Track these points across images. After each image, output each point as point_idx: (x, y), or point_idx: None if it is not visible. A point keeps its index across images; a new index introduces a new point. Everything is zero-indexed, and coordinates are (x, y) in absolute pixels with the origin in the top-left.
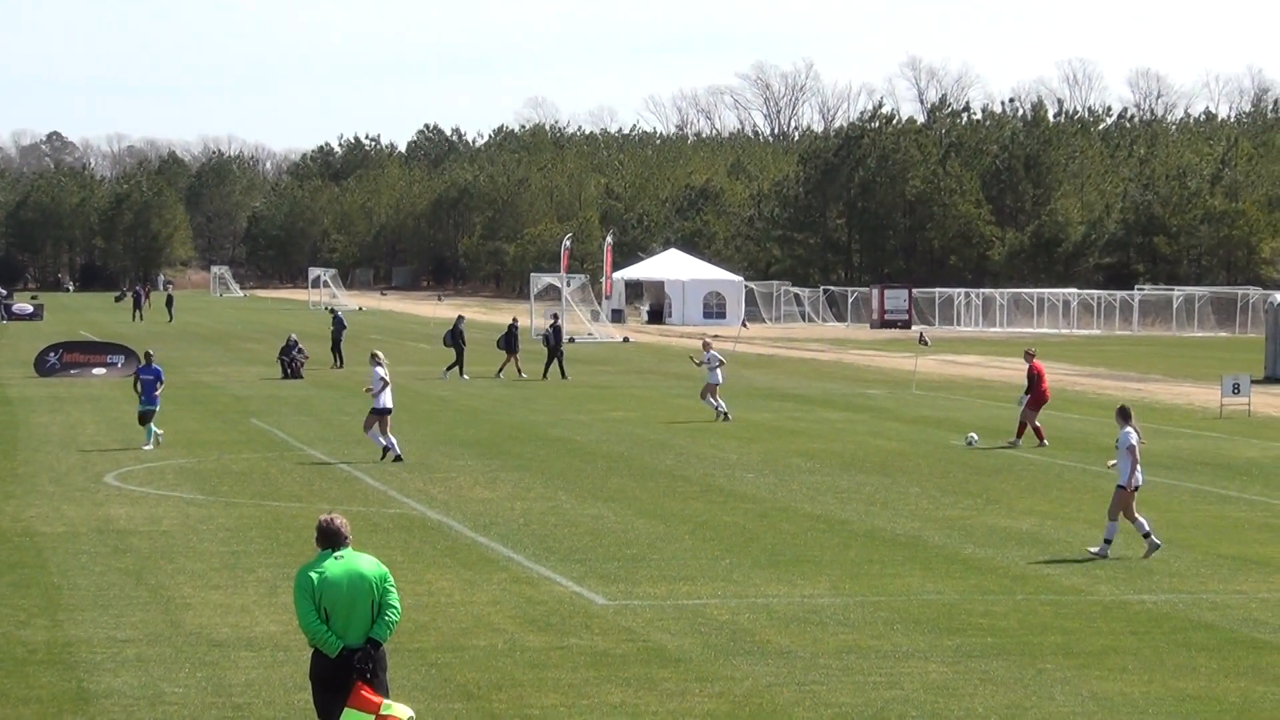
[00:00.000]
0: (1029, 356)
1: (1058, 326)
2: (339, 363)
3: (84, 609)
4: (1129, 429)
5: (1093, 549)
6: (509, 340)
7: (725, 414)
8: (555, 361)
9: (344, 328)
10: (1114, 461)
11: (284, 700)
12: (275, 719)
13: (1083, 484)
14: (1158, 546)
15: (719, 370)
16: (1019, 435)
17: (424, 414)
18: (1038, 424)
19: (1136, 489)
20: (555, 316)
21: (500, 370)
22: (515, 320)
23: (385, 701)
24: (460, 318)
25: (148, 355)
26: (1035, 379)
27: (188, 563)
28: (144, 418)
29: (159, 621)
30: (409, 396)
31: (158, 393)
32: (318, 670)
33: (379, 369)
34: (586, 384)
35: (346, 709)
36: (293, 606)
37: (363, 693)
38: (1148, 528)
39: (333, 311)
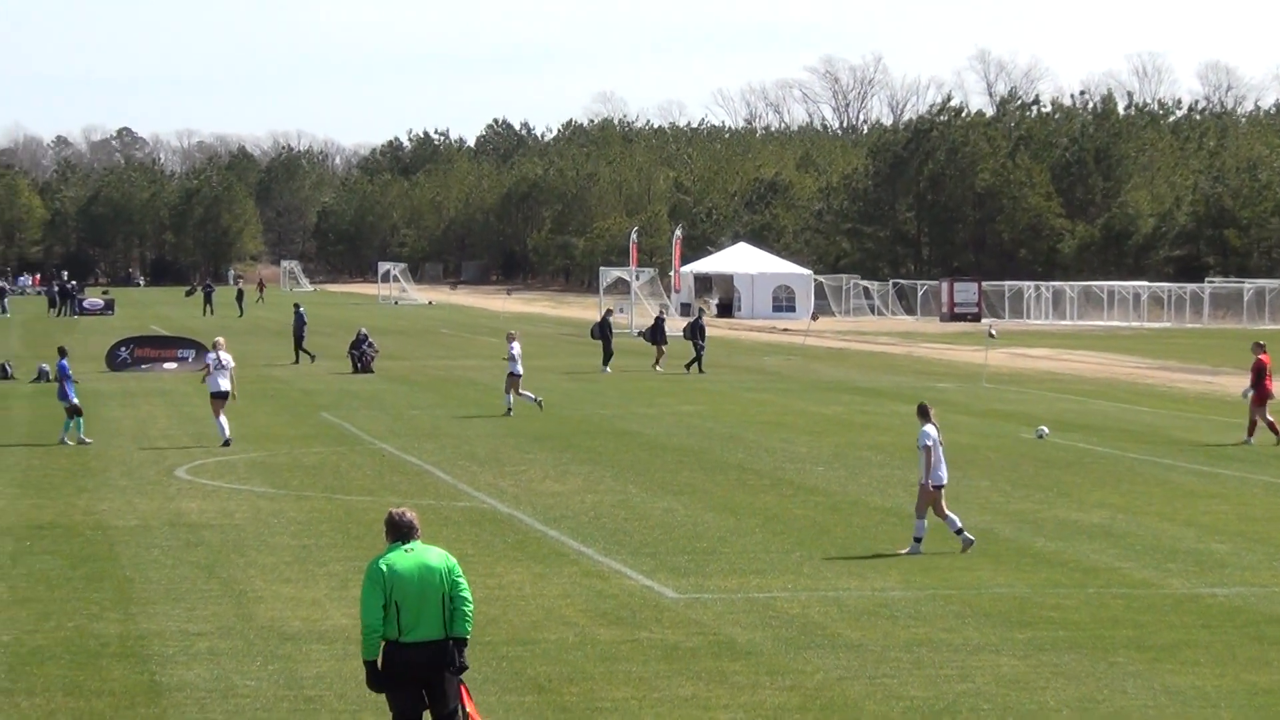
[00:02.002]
0: (1257, 349)
1: (1128, 320)
2: (298, 359)
3: (156, 602)
4: (928, 427)
5: (903, 550)
6: (654, 332)
7: (539, 401)
8: (698, 356)
9: (304, 324)
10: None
11: (355, 693)
12: (347, 711)
13: (1154, 477)
14: (971, 542)
15: (517, 363)
16: (1250, 434)
17: (493, 407)
18: (1269, 418)
19: (940, 486)
20: (700, 312)
21: (656, 362)
22: (609, 311)
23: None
24: (609, 311)
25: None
26: (1260, 373)
27: (259, 556)
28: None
29: (231, 615)
30: (477, 390)
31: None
32: (390, 665)
33: (515, 345)
34: (656, 377)
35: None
36: (360, 597)
37: (465, 695)
38: (959, 524)
39: (296, 306)
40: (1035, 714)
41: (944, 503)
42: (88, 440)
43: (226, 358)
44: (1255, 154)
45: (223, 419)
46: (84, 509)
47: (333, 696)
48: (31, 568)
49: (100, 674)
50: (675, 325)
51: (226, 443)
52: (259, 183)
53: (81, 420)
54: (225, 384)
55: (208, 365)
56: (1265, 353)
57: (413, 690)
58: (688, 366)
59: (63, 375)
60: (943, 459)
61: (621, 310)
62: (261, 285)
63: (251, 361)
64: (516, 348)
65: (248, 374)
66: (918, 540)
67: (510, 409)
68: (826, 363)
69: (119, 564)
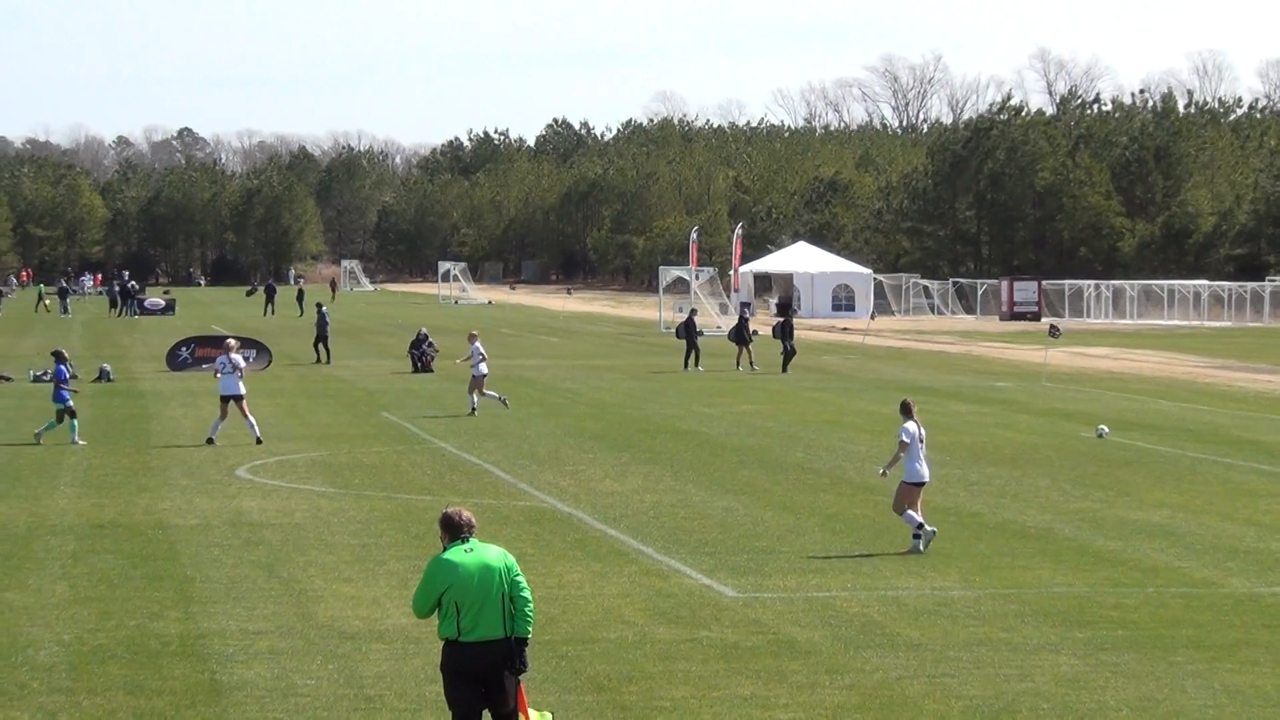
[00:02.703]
0: None
1: (1188, 319)
2: (326, 359)
3: (216, 601)
4: (909, 424)
5: (909, 548)
6: (738, 332)
7: (504, 400)
8: (787, 355)
9: (327, 323)
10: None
11: (415, 692)
12: (407, 710)
13: (1214, 476)
14: (918, 551)
15: (483, 364)
16: None
17: (553, 407)
18: None
19: (918, 484)
20: (790, 311)
21: (738, 363)
22: (694, 310)
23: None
24: (694, 310)
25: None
26: None
27: (319, 555)
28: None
29: (291, 614)
30: (537, 389)
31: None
32: (449, 663)
33: (478, 344)
34: (715, 377)
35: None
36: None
37: (521, 696)
38: (920, 520)
39: (318, 305)
40: (1094, 713)
41: (919, 502)
42: (80, 441)
43: (237, 359)
44: None
45: (250, 418)
46: (145, 508)
47: (393, 695)
48: (93, 567)
49: (161, 673)
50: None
51: (259, 440)
52: (319, 182)
53: (75, 422)
54: (238, 387)
55: (216, 369)
56: None
57: (474, 689)
58: (784, 368)
59: (59, 378)
60: (923, 457)
61: (682, 310)
62: (334, 285)
63: (309, 360)
64: (479, 347)
65: (309, 373)
66: (919, 527)
67: (475, 409)
68: (886, 362)
69: (179, 563)
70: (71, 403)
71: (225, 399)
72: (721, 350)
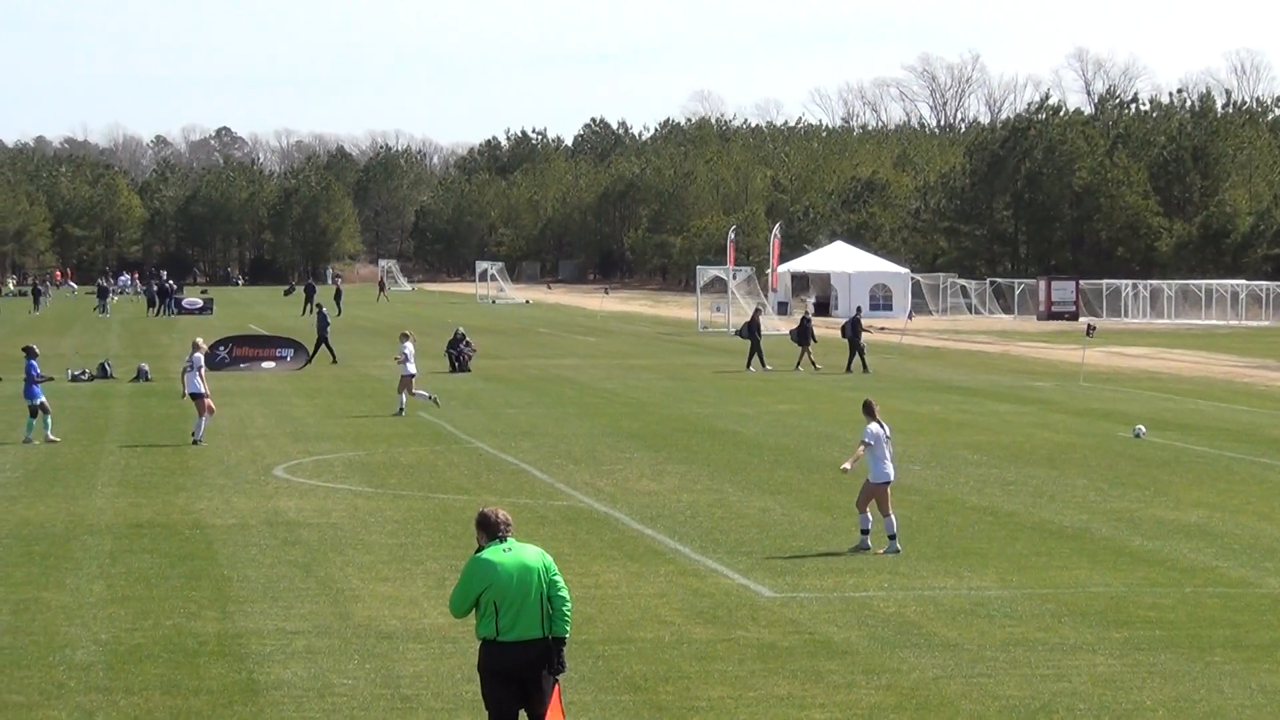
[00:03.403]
0: None
1: (1226, 318)
2: (332, 358)
3: (253, 601)
4: (872, 424)
5: (853, 546)
6: (801, 333)
7: (434, 399)
8: (857, 355)
9: (327, 324)
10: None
11: (452, 692)
12: (444, 710)
13: (1251, 476)
14: (865, 549)
15: (410, 363)
16: None
17: (590, 406)
18: None
19: (884, 484)
20: (858, 310)
21: (798, 363)
22: (758, 309)
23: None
24: (757, 310)
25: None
26: None
27: (356, 555)
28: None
29: (328, 613)
30: (574, 389)
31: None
32: (487, 663)
33: (408, 344)
34: (753, 376)
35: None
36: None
37: (556, 697)
38: (894, 530)
39: (318, 307)
40: (1131, 713)
41: (889, 502)
42: (54, 439)
43: (198, 358)
44: None
45: (204, 419)
46: (182, 508)
47: (429, 695)
48: (130, 566)
49: (198, 672)
50: (774, 324)
51: (196, 441)
52: (357, 182)
53: (49, 419)
54: (197, 385)
55: (185, 367)
56: None
57: (511, 689)
58: (796, 365)
59: (30, 375)
60: (888, 456)
61: (719, 309)
62: (382, 286)
63: (346, 360)
64: (409, 348)
65: (346, 373)
66: (864, 533)
67: (402, 409)
68: (923, 361)
69: (217, 562)
70: (43, 399)
71: (193, 396)
72: (779, 351)
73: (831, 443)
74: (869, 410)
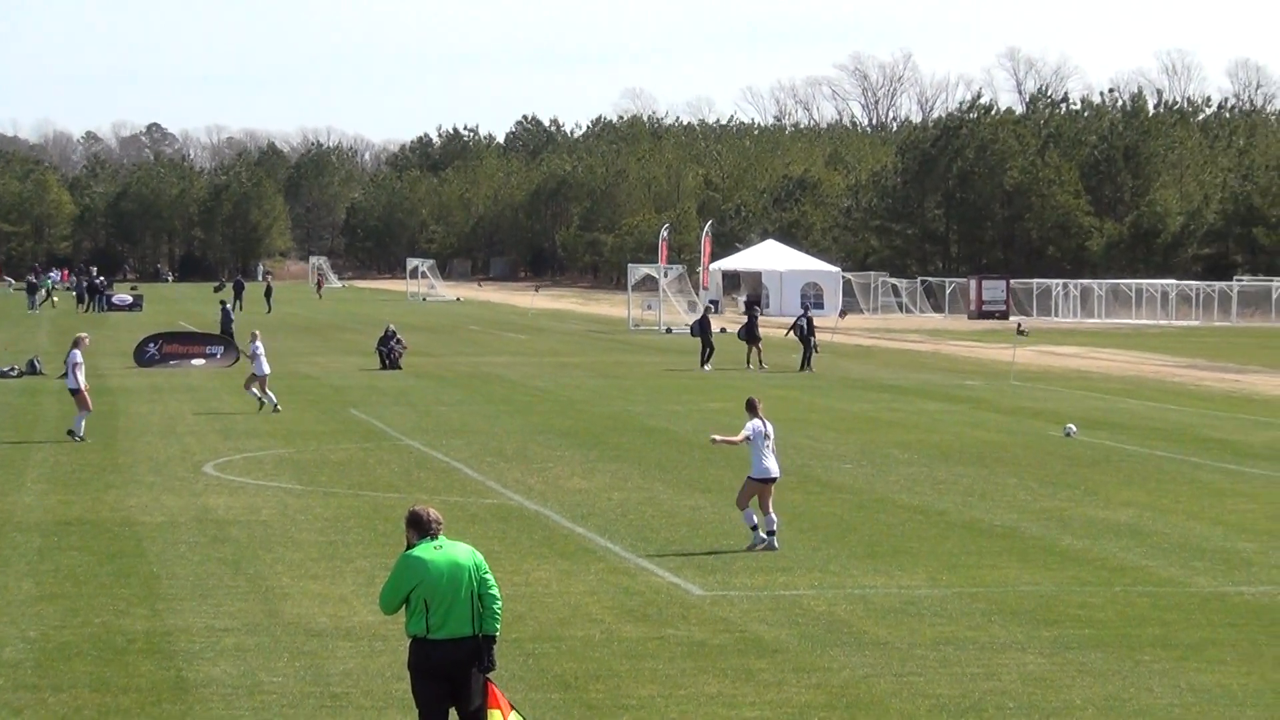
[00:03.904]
0: None
1: (1155, 318)
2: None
3: (183, 598)
4: (754, 421)
5: (749, 544)
6: (749, 331)
7: (275, 406)
8: (808, 351)
9: (231, 320)
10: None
11: (382, 690)
12: (373, 708)
13: (1181, 476)
14: (763, 542)
15: (263, 360)
16: None
17: (521, 404)
18: None
19: (766, 480)
20: (806, 308)
21: (749, 361)
22: (708, 309)
23: (515, 715)
24: (707, 309)
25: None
26: None
27: (286, 552)
28: None
29: (257, 611)
30: (505, 386)
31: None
32: (417, 660)
33: (258, 344)
34: (683, 374)
35: (489, 710)
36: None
37: (495, 693)
38: (773, 527)
39: (222, 303)
40: (1060, 712)
41: (770, 500)
42: None
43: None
44: None
45: (82, 413)
46: (111, 505)
47: (359, 693)
48: (59, 563)
49: (127, 670)
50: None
51: (72, 434)
52: (288, 179)
53: None
54: (74, 381)
55: (67, 364)
56: None
57: (441, 687)
58: (747, 364)
59: None
60: (770, 453)
61: (650, 307)
62: (320, 284)
63: (277, 357)
64: (259, 346)
65: (278, 369)
66: (754, 529)
67: (268, 402)
68: (854, 360)
69: (146, 560)
70: None
71: (72, 392)
72: (726, 349)
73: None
74: (751, 407)
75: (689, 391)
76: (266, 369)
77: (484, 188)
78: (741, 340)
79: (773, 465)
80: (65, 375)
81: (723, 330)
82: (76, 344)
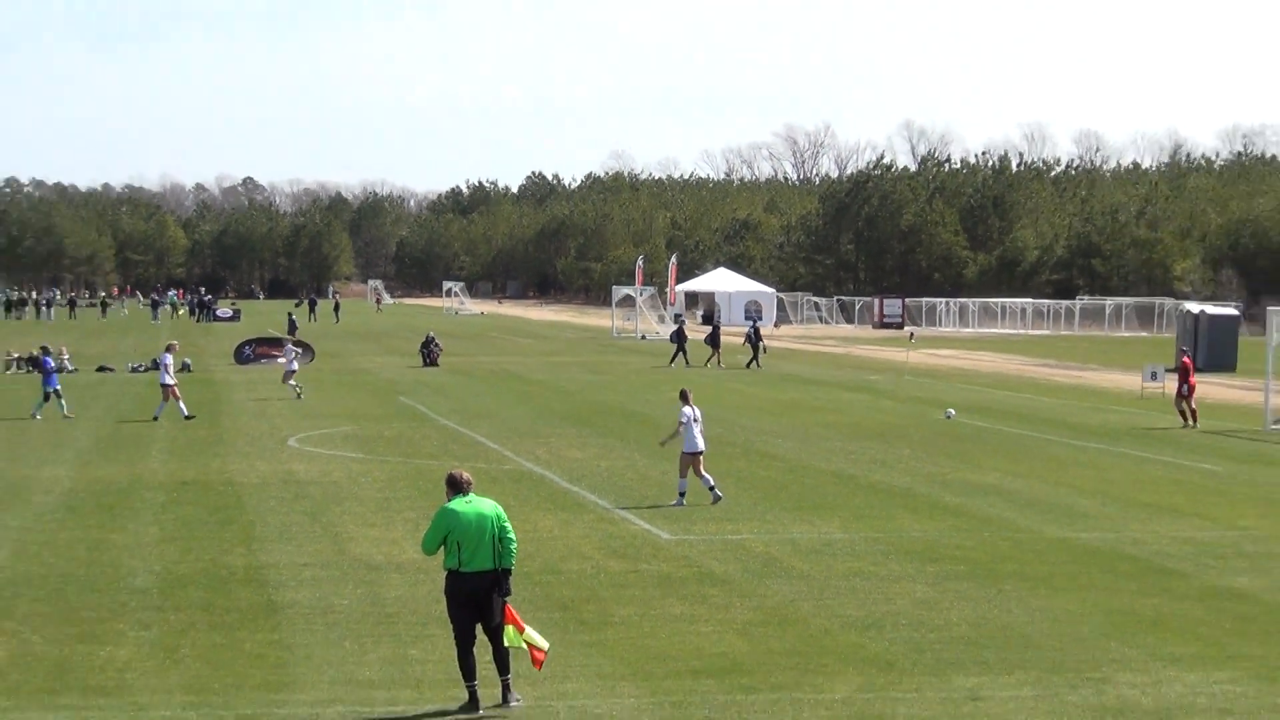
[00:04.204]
0: (1181, 354)
1: (1016, 328)
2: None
3: (272, 540)
4: (686, 408)
5: (673, 502)
6: (713, 338)
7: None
8: (755, 354)
9: (295, 327)
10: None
11: (425, 611)
12: (418, 624)
13: (1036, 448)
14: (719, 498)
15: (296, 360)
16: (1190, 419)
17: (529, 393)
18: (1193, 407)
19: (696, 454)
20: (754, 321)
21: (708, 361)
22: (683, 320)
23: (529, 630)
24: (683, 321)
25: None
26: (1185, 371)
27: (351, 506)
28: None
29: (329, 550)
30: (517, 380)
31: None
32: (451, 588)
33: (169, 356)
34: (655, 371)
35: (506, 625)
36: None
37: (511, 612)
38: (711, 483)
39: (289, 314)
40: (941, 628)
41: (701, 467)
42: (69, 415)
43: (167, 358)
44: (1116, 201)
45: (178, 402)
46: (217, 469)
47: (407, 613)
48: (177, 514)
49: (229, 595)
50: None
51: (161, 416)
52: (351, 220)
53: (63, 401)
54: (165, 377)
55: (159, 364)
56: (1188, 357)
57: (469, 609)
58: (704, 364)
59: (45, 368)
60: (697, 433)
61: (629, 320)
62: (379, 300)
63: (343, 357)
64: (169, 359)
65: (340, 366)
66: (681, 495)
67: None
68: (785, 360)
69: (244, 511)
70: (58, 386)
71: (163, 387)
72: (665, 349)
73: (716, 422)
74: (684, 397)
75: (659, 384)
76: (171, 380)
77: (501, 227)
78: (706, 345)
79: (700, 441)
80: (158, 370)
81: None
82: (169, 349)
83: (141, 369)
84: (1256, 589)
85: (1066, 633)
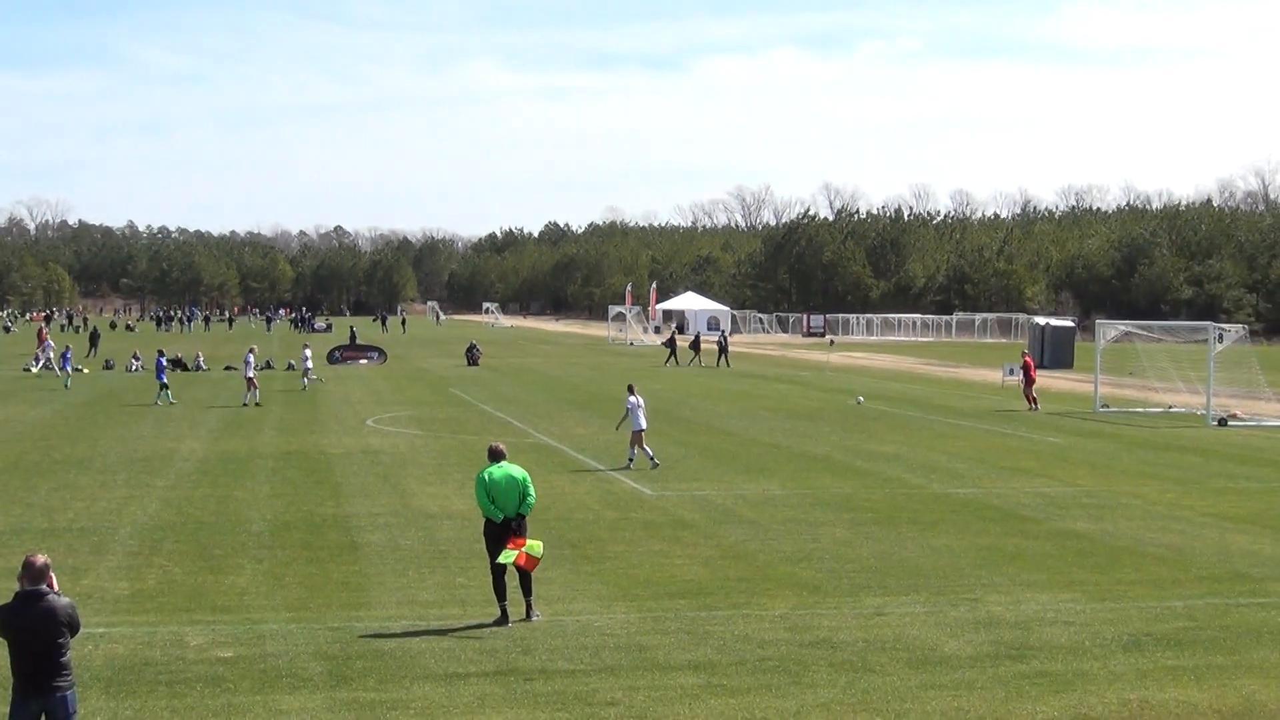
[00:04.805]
0: (1025, 355)
1: (909, 337)
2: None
3: (354, 496)
4: (632, 397)
5: (624, 465)
6: (694, 344)
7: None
8: (724, 355)
9: (355, 336)
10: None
11: (469, 548)
12: (463, 558)
13: (923, 426)
14: (657, 465)
15: (309, 360)
16: (1033, 404)
17: (546, 385)
18: (1034, 395)
19: (641, 431)
20: (724, 332)
21: (690, 362)
22: (675, 330)
23: (527, 541)
24: (673, 331)
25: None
26: (1028, 368)
27: (413, 470)
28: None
29: (397, 504)
30: (537, 376)
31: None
32: (489, 530)
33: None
34: (643, 369)
35: (505, 549)
36: (474, 494)
37: (514, 538)
38: (650, 453)
39: (350, 328)
40: (854, 560)
41: (644, 442)
42: (173, 401)
43: (250, 357)
44: (981, 242)
45: (248, 393)
46: (313, 443)
47: (456, 550)
48: (284, 476)
49: (322, 537)
50: (655, 339)
51: (245, 405)
52: (414, 257)
53: (168, 392)
54: (249, 370)
55: (248, 364)
56: (1029, 356)
57: (500, 546)
58: (688, 364)
59: (159, 367)
60: (640, 415)
61: (621, 331)
62: (438, 316)
63: (408, 359)
64: (251, 358)
65: (405, 366)
66: (630, 460)
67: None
68: (736, 360)
69: (333, 474)
70: (165, 379)
71: (247, 380)
72: (655, 354)
73: (684, 406)
74: (630, 389)
75: (644, 378)
76: (250, 374)
77: (526, 262)
78: (689, 349)
79: (643, 421)
80: (245, 368)
81: (665, 344)
82: (251, 351)
83: (260, 367)
84: (1092, 531)
85: (948, 564)
